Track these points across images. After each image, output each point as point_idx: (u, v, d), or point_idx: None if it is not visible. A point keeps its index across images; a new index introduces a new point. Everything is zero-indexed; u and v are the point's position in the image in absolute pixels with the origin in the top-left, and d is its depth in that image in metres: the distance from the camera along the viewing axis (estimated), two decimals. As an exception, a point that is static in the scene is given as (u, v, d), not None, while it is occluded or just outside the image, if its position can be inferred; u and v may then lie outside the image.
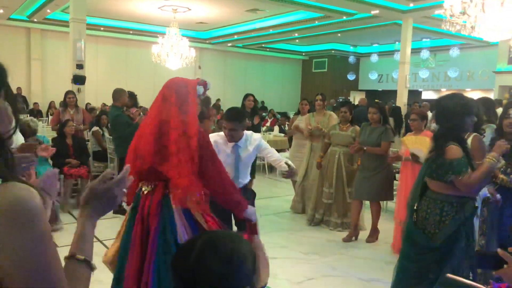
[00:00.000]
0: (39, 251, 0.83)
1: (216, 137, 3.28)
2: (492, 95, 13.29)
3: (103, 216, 1.13)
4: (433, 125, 5.24)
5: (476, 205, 2.61)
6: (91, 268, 1.02)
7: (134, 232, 2.33)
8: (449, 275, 0.85)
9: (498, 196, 2.98)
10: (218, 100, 15.50)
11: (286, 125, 9.85)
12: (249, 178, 3.45)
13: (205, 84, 2.56)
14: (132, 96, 6.94)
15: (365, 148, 4.72)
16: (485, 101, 4.20)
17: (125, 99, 5.80)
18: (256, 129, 6.49)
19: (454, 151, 2.47)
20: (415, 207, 2.63)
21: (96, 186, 1.11)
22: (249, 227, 2.57)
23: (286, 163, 3.28)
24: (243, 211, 2.49)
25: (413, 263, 2.58)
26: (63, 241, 2.36)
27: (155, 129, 2.32)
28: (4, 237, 0.80)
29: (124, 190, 1.15)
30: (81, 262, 0.99)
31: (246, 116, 3.38)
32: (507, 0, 4.94)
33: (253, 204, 3.35)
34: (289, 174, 3.26)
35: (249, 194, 3.43)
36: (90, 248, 1.05)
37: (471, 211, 2.50)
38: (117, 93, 5.66)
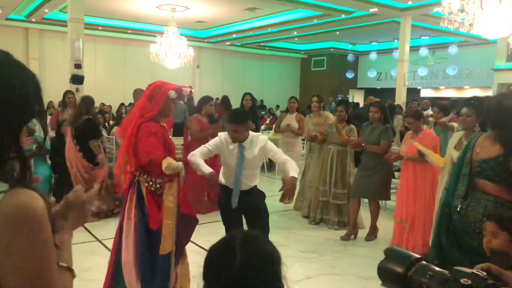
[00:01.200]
0: (42, 257, 0.86)
1: (224, 136, 3.30)
2: (490, 93, 13.28)
3: (77, 229, 1.16)
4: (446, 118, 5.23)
5: None
6: (73, 275, 1.05)
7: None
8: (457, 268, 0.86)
9: None
10: (217, 99, 15.47)
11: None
12: (257, 180, 3.42)
13: (179, 90, 2.97)
14: (139, 93, 7.06)
15: (363, 144, 4.73)
16: None
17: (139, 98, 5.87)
18: (255, 129, 6.49)
19: None
20: (458, 209, 2.53)
21: (72, 200, 1.13)
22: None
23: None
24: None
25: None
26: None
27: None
28: (10, 243, 0.82)
29: (93, 208, 1.18)
30: (63, 269, 1.02)
31: (248, 117, 3.36)
32: (505, -3, 4.94)
33: (264, 204, 3.44)
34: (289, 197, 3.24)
35: (258, 195, 3.43)
36: (70, 256, 1.08)
37: None
38: (135, 93, 5.86)
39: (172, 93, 2.94)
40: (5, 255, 0.82)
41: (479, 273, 0.84)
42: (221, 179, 3.37)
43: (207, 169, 3.11)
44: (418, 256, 0.94)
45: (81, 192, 1.13)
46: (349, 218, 5.07)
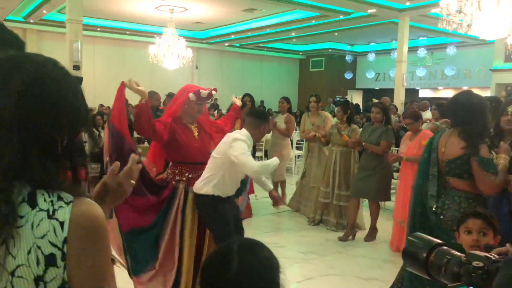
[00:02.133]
0: (107, 262, 0.91)
1: (246, 136, 3.15)
2: (489, 93, 13.31)
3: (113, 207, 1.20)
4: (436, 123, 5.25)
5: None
6: (114, 264, 1.11)
7: None
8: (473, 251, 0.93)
9: None
10: (216, 100, 15.48)
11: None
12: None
13: (197, 92, 3.12)
14: (171, 96, 7.17)
15: (363, 143, 4.73)
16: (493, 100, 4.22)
17: (153, 101, 5.94)
18: None
19: (486, 149, 2.52)
20: (434, 208, 2.61)
21: (108, 181, 1.15)
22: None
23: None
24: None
25: None
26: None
27: None
28: (83, 251, 0.86)
29: (133, 181, 1.18)
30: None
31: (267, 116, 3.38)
32: (503, -2, 4.96)
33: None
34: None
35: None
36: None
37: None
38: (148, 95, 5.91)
39: (191, 95, 3.11)
40: (78, 262, 0.86)
41: (491, 256, 0.90)
42: (216, 191, 3.04)
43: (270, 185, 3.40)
44: (439, 241, 1.01)
45: (116, 172, 1.15)
46: (348, 219, 5.07)
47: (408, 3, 10.63)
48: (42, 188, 0.87)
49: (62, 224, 0.85)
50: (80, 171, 0.97)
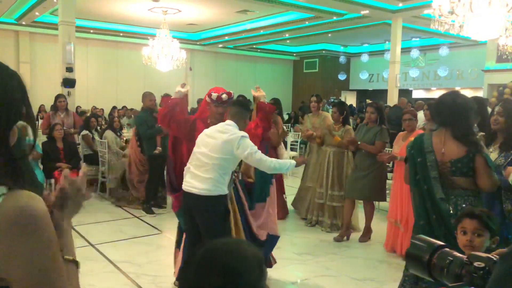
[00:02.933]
0: (47, 257, 0.86)
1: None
2: (481, 93, 13.42)
3: (74, 216, 1.14)
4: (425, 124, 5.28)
5: None
6: (78, 267, 1.05)
7: None
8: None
9: None
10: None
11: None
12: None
13: (209, 94, 3.37)
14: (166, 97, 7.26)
15: (359, 142, 4.73)
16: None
17: (147, 102, 5.89)
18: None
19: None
20: (451, 211, 2.57)
21: (66, 188, 1.11)
22: None
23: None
24: None
25: None
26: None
27: None
28: (13, 246, 0.82)
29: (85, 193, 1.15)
30: (69, 262, 1.02)
31: None
32: (495, -1, 5.00)
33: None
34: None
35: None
36: (72, 247, 1.07)
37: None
38: (142, 96, 6.04)
39: (207, 98, 3.38)
40: (10, 258, 0.82)
41: (492, 256, 0.91)
42: (226, 190, 3.08)
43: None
44: (441, 243, 1.02)
45: (73, 179, 1.11)
46: (343, 220, 5.08)
47: (400, 4, 10.70)
48: None
49: None
50: (21, 164, 0.94)
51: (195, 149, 3.12)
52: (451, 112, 2.62)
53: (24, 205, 0.84)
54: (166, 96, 7.04)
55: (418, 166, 2.69)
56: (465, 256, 0.95)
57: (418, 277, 2.56)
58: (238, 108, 3.19)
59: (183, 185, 3.12)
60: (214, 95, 3.31)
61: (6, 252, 0.82)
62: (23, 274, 0.82)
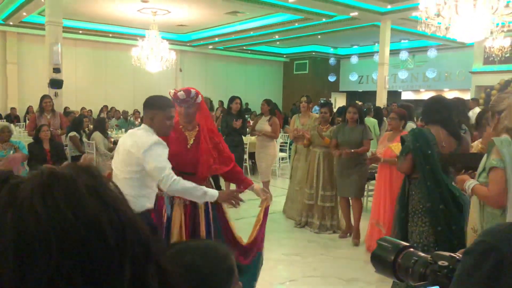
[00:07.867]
0: None
1: None
2: (469, 95, 13.58)
3: None
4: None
5: None
6: None
7: None
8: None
9: None
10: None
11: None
12: None
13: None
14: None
15: (352, 151, 4.76)
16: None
17: None
18: (241, 131, 6.50)
19: None
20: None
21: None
22: None
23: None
24: None
25: None
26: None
27: None
28: None
29: None
30: None
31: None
32: (480, 1, 5.06)
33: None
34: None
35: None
36: None
37: None
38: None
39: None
40: None
41: (456, 255, 0.92)
42: (146, 203, 2.59)
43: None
44: (406, 244, 1.03)
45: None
46: (343, 219, 5.19)
47: (389, 6, 10.78)
48: None
49: None
50: None
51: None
52: (449, 112, 3.09)
53: None
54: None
55: (430, 158, 2.98)
56: (429, 256, 0.96)
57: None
58: (145, 106, 2.58)
59: None
60: (172, 91, 2.83)
61: None
62: None
